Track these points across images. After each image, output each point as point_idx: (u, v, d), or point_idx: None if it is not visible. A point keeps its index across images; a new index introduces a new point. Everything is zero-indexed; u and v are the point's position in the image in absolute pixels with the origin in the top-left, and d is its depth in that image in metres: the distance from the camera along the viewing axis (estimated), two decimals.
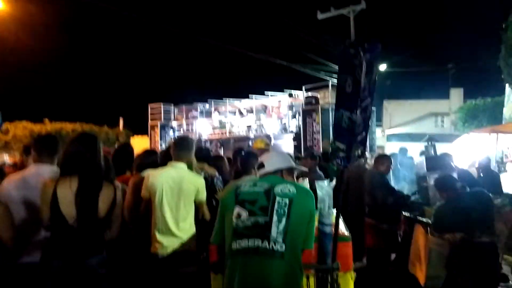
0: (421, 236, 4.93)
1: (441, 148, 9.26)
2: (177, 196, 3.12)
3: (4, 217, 2.41)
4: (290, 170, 2.45)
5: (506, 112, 12.20)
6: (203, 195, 3.26)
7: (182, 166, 3.23)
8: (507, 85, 9.48)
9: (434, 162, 5.80)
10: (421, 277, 4.77)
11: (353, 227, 4.27)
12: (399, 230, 5.59)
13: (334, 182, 2.73)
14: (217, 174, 3.89)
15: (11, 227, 2.46)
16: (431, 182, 5.32)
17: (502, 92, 12.50)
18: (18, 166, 4.80)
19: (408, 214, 5.37)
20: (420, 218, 5.00)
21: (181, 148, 3.30)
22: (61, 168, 2.59)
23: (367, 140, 2.48)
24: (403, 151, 8.28)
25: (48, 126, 17.05)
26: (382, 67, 19.83)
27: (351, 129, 2.34)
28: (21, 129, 16.11)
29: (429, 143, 6.83)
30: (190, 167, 3.34)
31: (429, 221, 4.46)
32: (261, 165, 2.43)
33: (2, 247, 2.38)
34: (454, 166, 5.76)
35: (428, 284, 4.47)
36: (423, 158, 5.90)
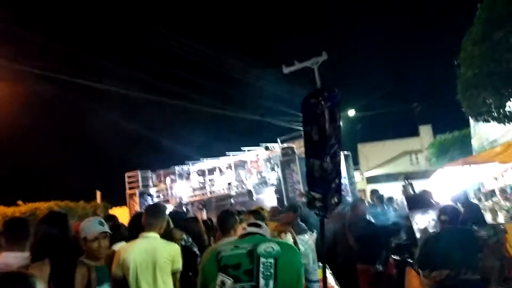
0: (414, 279, 4.80)
1: (419, 185, 9.37)
2: (152, 269, 2.94)
3: None
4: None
5: (474, 143, 12.63)
6: (179, 265, 3.10)
7: (154, 236, 3.07)
8: (471, 118, 9.93)
9: (415, 201, 5.83)
10: None
11: (346, 278, 4.12)
12: (389, 272, 5.46)
13: (315, 234, 2.65)
14: (184, 237, 3.71)
15: None
16: (415, 221, 5.32)
17: (468, 124, 13.02)
18: None
19: (397, 257, 5.28)
20: (410, 260, 4.92)
21: (152, 217, 3.15)
22: (32, 254, 2.42)
23: (341, 186, 2.47)
24: (375, 193, 8.34)
25: (22, 208, 16.37)
26: (351, 112, 20.52)
27: (324, 177, 2.33)
28: None
29: (406, 182, 6.90)
30: (166, 235, 3.21)
31: None
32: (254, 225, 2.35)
33: None
34: (434, 202, 5.80)
35: None
36: (403, 198, 5.93)
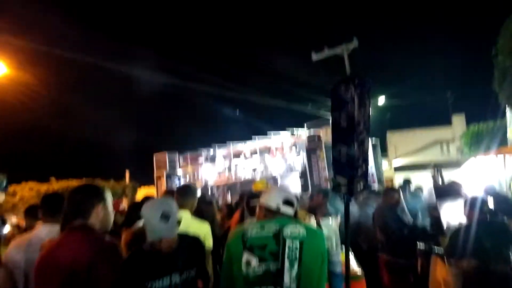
0: (439, 268, 4.74)
1: (449, 175, 9.14)
2: None
3: (6, 282, 2.35)
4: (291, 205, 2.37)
5: (510, 134, 12.14)
6: (209, 243, 3.19)
7: (186, 215, 3.18)
8: (507, 107, 9.54)
9: (443, 190, 5.70)
10: None
11: (368, 265, 4.11)
12: (415, 264, 5.40)
13: (339, 218, 2.66)
14: None
15: None
16: (442, 211, 5.22)
17: (503, 114, 12.51)
18: (23, 229, 4.75)
19: (424, 246, 5.21)
20: (436, 249, 4.85)
21: (184, 196, 3.27)
22: (61, 226, 2.54)
23: (368, 173, 2.46)
24: (406, 182, 8.17)
25: (54, 185, 17.14)
26: (382, 99, 20.05)
27: (350, 164, 2.33)
28: (28, 190, 16.18)
29: (435, 170, 6.73)
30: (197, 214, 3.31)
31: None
32: (253, 196, 2.37)
33: None
34: (463, 193, 5.65)
35: None
36: (431, 188, 5.80)
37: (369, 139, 2.57)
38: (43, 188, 16.37)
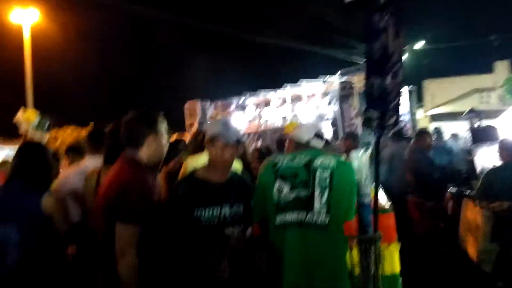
0: (470, 210, 4.75)
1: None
2: None
3: (59, 209, 2.55)
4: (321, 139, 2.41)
5: None
6: None
7: None
8: None
9: (480, 134, 5.57)
10: (473, 252, 4.61)
11: (396, 206, 4.15)
12: (445, 206, 5.42)
13: (369, 151, 2.68)
14: None
15: (65, 219, 2.60)
16: (477, 155, 5.14)
17: None
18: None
19: (455, 189, 5.21)
20: (468, 193, 4.84)
21: None
22: (104, 157, 2.74)
23: (399, 107, 2.42)
24: (437, 130, 7.97)
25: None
26: (419, 44, 19.07)
27: (383, 97, 2.31)
28: (69, 134, 16.99)
29: (473, 115, 6.48)
30: None
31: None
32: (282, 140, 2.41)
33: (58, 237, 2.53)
34: (499, 137, 5.49)
35: (481, 259, 4.32)
36: (468, 132, 5.65)
37: (403, 75, 2.51)
38: (83, 132, 17.15)
